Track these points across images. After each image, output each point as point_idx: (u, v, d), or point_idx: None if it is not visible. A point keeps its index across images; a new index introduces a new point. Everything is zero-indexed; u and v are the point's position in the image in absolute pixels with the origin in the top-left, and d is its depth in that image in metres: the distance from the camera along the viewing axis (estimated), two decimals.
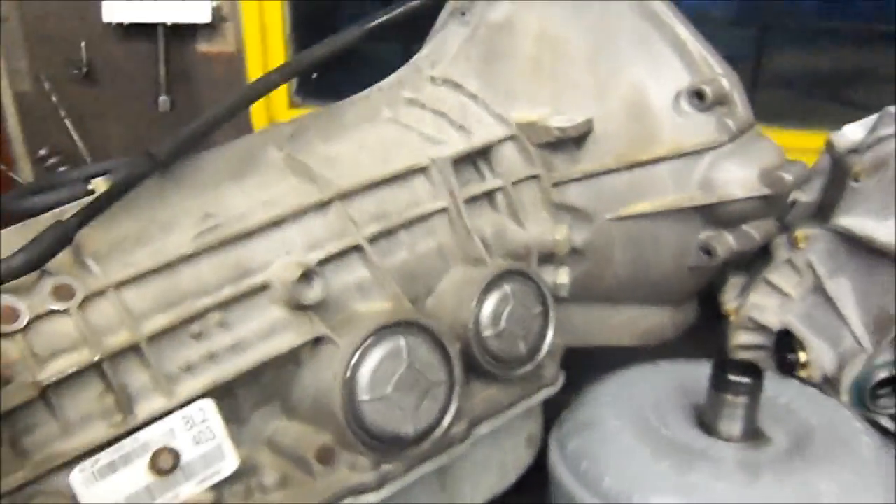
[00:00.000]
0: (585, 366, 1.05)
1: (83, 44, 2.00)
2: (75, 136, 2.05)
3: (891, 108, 1.07)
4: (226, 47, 1.97)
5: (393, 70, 1.03)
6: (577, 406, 0.98)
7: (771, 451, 0.90)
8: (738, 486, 0.83)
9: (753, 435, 0.92)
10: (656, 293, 1.07)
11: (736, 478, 0.84)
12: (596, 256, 1.00)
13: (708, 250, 1.00)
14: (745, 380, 0.90)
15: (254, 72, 1.93)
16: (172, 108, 2.02)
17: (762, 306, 1.12)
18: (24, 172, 2.15)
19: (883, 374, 1.03)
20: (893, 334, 1.02)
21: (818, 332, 1.09)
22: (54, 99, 2.05)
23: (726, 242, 1.00)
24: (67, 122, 2.05)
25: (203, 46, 1.99)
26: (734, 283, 1.14)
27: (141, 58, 1.98)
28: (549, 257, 0.96)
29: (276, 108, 1.97)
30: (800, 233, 1.08)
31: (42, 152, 2.09)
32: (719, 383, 0.91)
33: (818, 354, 1.08)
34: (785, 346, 1.10)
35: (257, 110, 1.90)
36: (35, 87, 2.07)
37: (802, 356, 1.08)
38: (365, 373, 0.78)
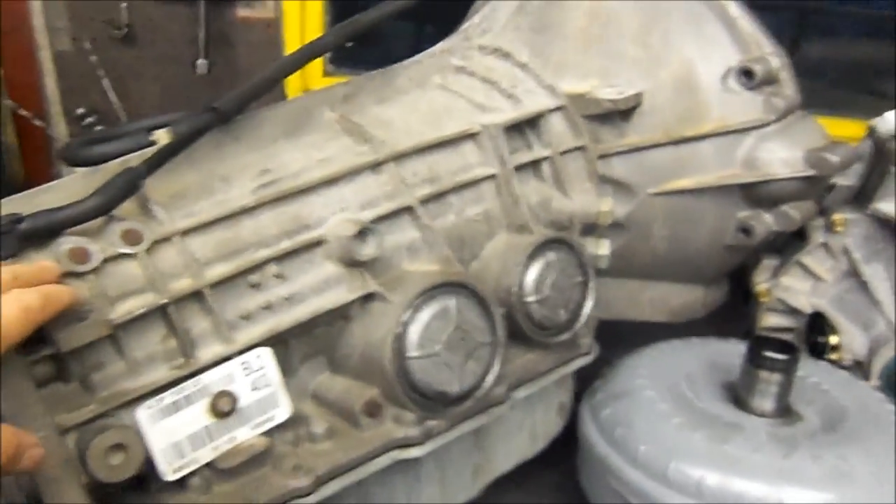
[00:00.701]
0: (615, 340, 1.07)
1: (124, 5, 2.02)
2: (113, 97, 2.08)
3: None
4: (265, 13, 1.99)
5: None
6: (611, 376, 1.00)
7: (803, 427, 0.92)
8: (775, 458, 0.84)
9: (785, 412, 0.94)
10: (690, 270, 1.09)
11: (771, 450, 0.86)
12: (635, 230, 1.01)
13: (746, 229, 1.02)
14: (781, 356, 0.92)
15: (291, 38, 1.94)
16: (210, 72, 2.04)
17: (794, 289, 1.13)
18: (60, 130, 2.17)
19: None
20: None
21: (850, 316, 1.11)
22: (93, 59, 2.08)
23: (765, 222, 1.01)
24: (105, 82, 2.08)
25: (243, 11, 2.01)
26: (767, 265, 1.16)
27: (181, 21, 2.00)
28: (590, 228, 0.98)
29: (310, 76, 1.98)
30: (838, 217, 1.09)
31: (79, 111, 2.11)
32: (755, 359, 0.93)
33: (850, 338, 1.09)
34: (816, 328, 1.12)
35: (292, 79, 1.91)
36: (74, 47, 2.09)
37: (834, 339, 1.09)
38: (415, 330, 0.80)
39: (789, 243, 1.16)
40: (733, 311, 1.24)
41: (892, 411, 0.95)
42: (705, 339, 1.07)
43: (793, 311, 1.14)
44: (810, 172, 0.97)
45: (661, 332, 1.10)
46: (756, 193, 1.00)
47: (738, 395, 0.96)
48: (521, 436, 0.98)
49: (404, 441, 0.82)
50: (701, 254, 1.05)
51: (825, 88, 1.89)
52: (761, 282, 1.15)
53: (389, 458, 0.82)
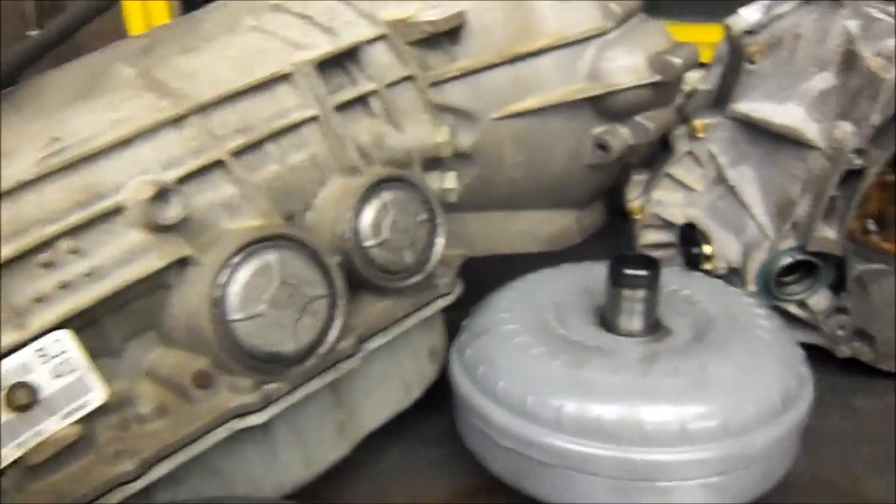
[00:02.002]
0: (499, 275, 1.02)
1: None
2: None
3: None
4: None
5: None
6: (476, 314, 0.95)
7: (670, 342, 0.89)
8: (633, 377, 0.81)
9: (654, 329, 0.91)
10: (557, 195, 1.04)
11: (630, 369, 0.82)
12: (486, 159, 0.96)
13: (602, 145, 0.97)
14: (641, 273, 0.88)
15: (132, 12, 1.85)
16: None
17: (666, 202, 1.10)
18: None
19: (786, 261, 1.02)
20: (793, 220, 1.00)
21: (723, 223, 1.08)
22: None
23: (621, 136, 0.97)
24: None
25: None
26: (637, 181, 1.12)
27: None
28: (434, 162, 0.93)
29: (156, 21, 1.88)
30: (698, 122, 1.05)
31: None
32: (616, 278, 0.89)
33: (723, 246, 1.06)
34: (690, 239, 1.08)
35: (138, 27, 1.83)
36: None
37: (707, 249, 1.06)
38: (234, 291, 0.75)
39: (658, 155, 1.11)
40: (621, 232, 1.20)
41: (759, 315, 0.92)
42: (578, 264, 1.03)
43: (669, 225, 1.11)
44: (655, 78, 0.92)
45: (551, 262, 1.06)
46: (606, 106, 0.95)
47: (605, 318, 0.92)
48: (389, 386, 0.94)
49: (241, 409, 0.77)
50: (563, 176, 1.01)
51: None
52: (634, 198, 1.11)
53: (227, 430, 0.77)
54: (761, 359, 0.85)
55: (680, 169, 1.08)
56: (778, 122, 0.99)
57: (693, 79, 1.08)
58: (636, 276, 0.88)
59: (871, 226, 1.18)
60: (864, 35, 0.97)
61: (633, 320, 0.89)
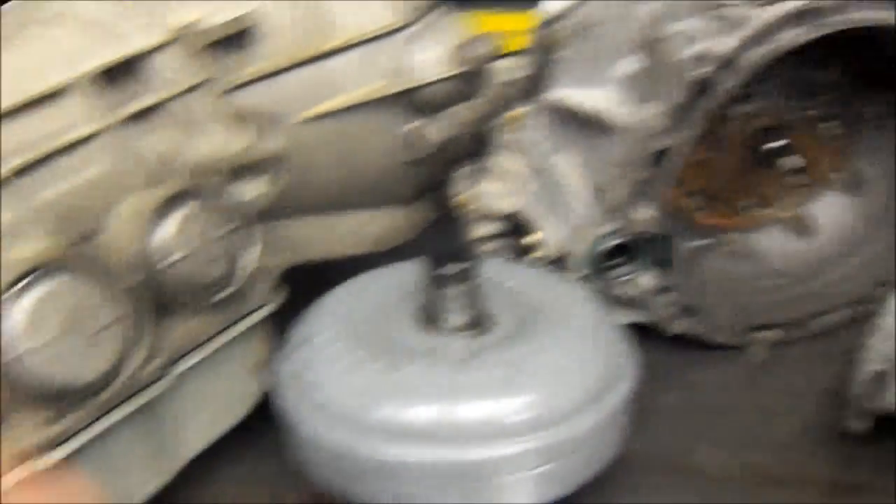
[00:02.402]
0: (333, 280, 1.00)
1: None
2: None
3: None
4: None
5: None
6: (297, 324, 0.92)
7: (492, 336, 0.88)
8: (450, 374, 0.80)
9: (478, 323, 0.90)
10: (378, 194, 1.02)
11: (448, 367, 0.81)
12: (297, 162, 0.93)
13: (416, 141, 0.95)
14: (455, 269, 0.87)
15: None
16: None
17: (492, 193, 1.09)
18: None
19: (608, 244, 1.03)
20: (612, 202, 1.01)
21: (549, 210, 1.08)
22: None
23: (433, 130, 0.95)
24: None
25: None
26: (462, 173, 1.11)
27: None
28: (239, 170, 0.89)
29: None
30: (512, 113, 1.05)
31: None
32: (432, 277, 0.88)
33: (549, 233, 1.07)
34: (518, 229, 1.08)
35: None
36: None
37: (533, 238, 1.06)
38: (13, 324, 0.70)
39: (482, 146, 1.11)
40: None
41: (582, 301, 0.92)
42: (406, 262, 1.01)
43: (499, 216, 1.10)
44: (459, 70, 0.91)
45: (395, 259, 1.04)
46: (414, 101, 0.93)
47: (428, 317, 0.90)
48: (209, 407, 0.90)
49: (36, 447, 0.72)
50: (381, 175, 0.99)
51: None
52: (460, 191, 1.10)
53: (20, 473, 0.71)
54: (579, 345, 0.85)
55: (502, 159, 1.07)
56: (587, 107, 1.00)
57: (512, 66, 1.07)
58: (451, 274, 0.87)
59: (697, 203, 1.21)
60: (666, 16, 0.99)
61: (455, 317, 0.88)
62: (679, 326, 1.11)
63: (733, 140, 1.15)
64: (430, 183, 1.08)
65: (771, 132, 1.15)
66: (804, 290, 1.21)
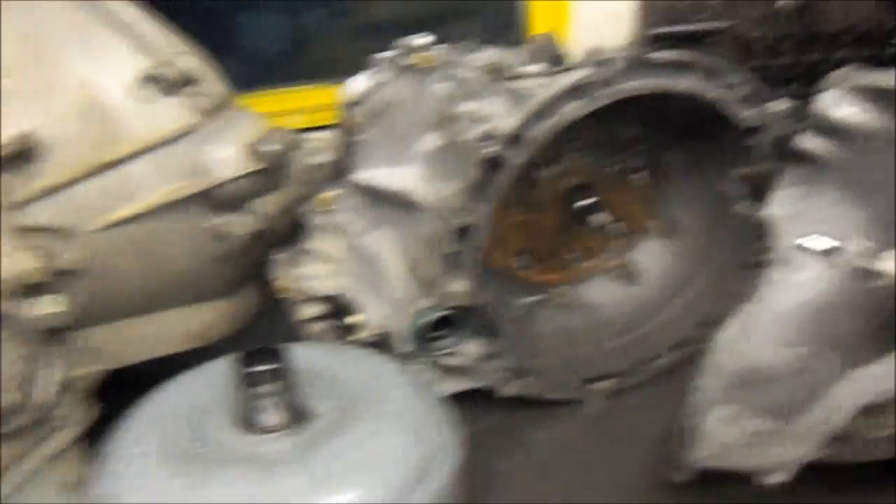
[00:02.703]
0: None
1: None
2: None
3: (386, 54, 1.06)
4: None
5: None
6: (108, 438, 0.90)
7: (310, 432, 0.87)
8: (255, 485, 0.79)
9: (297, 418, 0.89)
10: (192, 291, 1.01)
11: (260, 473, 0.80)
12: (97, 272, 0.91)
13: (222, 237, 0.95)
14: (267, 366, 0.86)
15: None
16: None
17: (311, 276, 1.09)
18: None
19: (429, 318, 1.04)
20: (426, 278, 1.02)
21: (369, 289, 1.08)
22: None
23: (238, 225, 0.95)
24: None
25: None
26: (282, 259, 1.10)
27: None
28: (33, 288, 0.86)
29: None
30: (324, 195, 1.05)
31: None
32: (242, 377, 0.87)
33: (371, 313, 1.07)
34: (340, 310, 1.08)
35: None
36: None
37: (355, 318, 1.06)
38: None
39: (296, 231, 1.11)
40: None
41: (402, 382, 0.93)
42: (221, 359, 0.99)
43: (321, 298, 1.10)
44: (255, 167, 0.91)
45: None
46: (215, 199, 0.93)
47: (243, 417, 0.89)
48: None
49: None
50: (190, 273, 0.98)
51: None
52: (280, 276, 1.10)
53: None
54: (398, 431, 0.86)
55: (318, 242, 1.08)
56: (393, 186, 1.01)
57: (316, 151, 1.08)
58: (262, 372, 0.86)
59: (525, 262, 1.24)
60: (457, 95, 1.02)
61: (270, 416, 0.87)
62: (512, 389, 1.12)
63: (548, 200, 1.19)
64: (246, 273, 1.07)
65: (582, 189, 1.18)
66: (634, 336, 1.25)
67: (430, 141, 1.01)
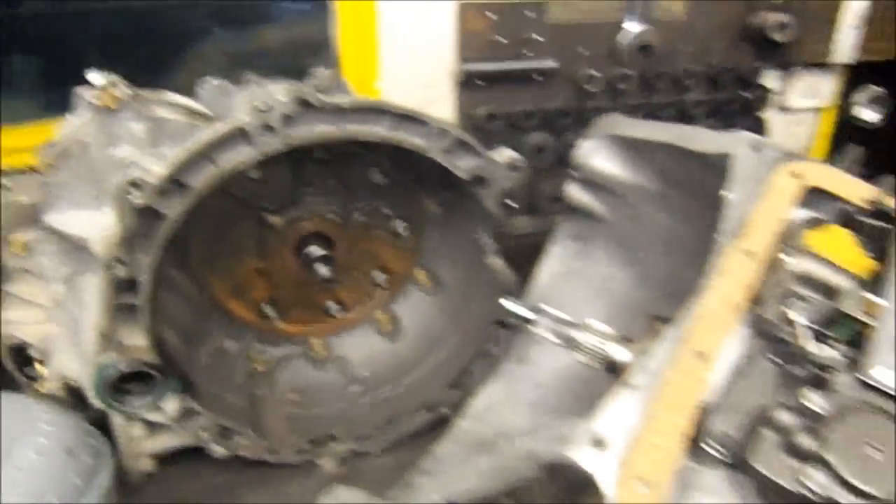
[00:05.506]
0: None
1: None
2: None
3: (84, 92, 1.00)
4: None
5: None
6: None
7: None
8: None
9: None
10: None
11: None
12: None
13: None
14: None
15: None
16: None
17: (17, 321, 1.03)
18: None
19: (111, 373, 0.97)
20: (98, 331, 0.95)
21: (69, 340, 1.02)
22: None
23: None
24: None
25: None
26: None
27: None
28: None
29: None
30: (15, 238, 0.99)
31: None
32: None
33: (56, 365, 1.00)
34: (25, 360, 1.02)
35: None
36: None
37: (40, 369, 1.00)
38: None
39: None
40: None
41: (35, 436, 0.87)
42: None
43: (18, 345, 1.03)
44: None
45: None
46: None
47: None
48: None
49: None
50: None
51: None
52: None
53: None
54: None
55: (19, 286, 1.02)
56: (74, 232, 0.95)
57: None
58: None
59: (269, 311, 1.17)
60: (150, 137, 0.96)
61: None
62: (222, 449, 1.05)
63: (285, 247, 1.12)
64: None
65: (319, 237, 1.11)
66: (380, 395, 1.18)
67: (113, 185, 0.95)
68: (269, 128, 0.88)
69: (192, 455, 1.08)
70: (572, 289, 1.17)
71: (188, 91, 1.04)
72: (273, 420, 1.11)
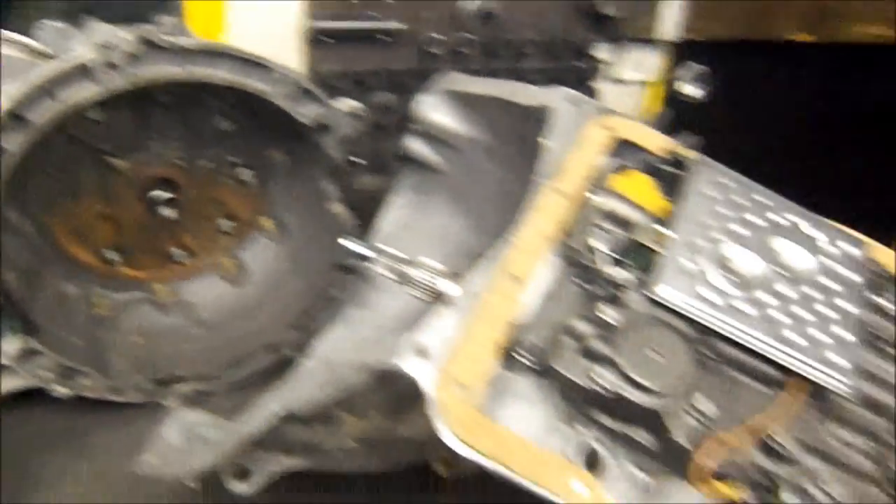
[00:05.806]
0: None
1: None
2: None
3: None
4: None
5: None
6: None
7: None
8: None
9: None
10: None
11: None
12: None
13: None
14: None
15: None
16: None
17: None
18: None
19: None
20: None
21: None
22: None
23: None
24: None
25: None
26: None
27: None
28: None
29: None
30: None
31: None
32: None
33: None
34: None
35: None
36: None
37: None
38: None
39: None
40: None
41: None
42: None
43: None
44: None
45: None
46: None
47: None
48: None
49: None
50: None
51: None
52: None
53: None
54: None
55: None
56: None
57: None
58: None
59: (113, 256, 1.18)
60: None
61: None
62: (65, 389, 1.06)
63: (130, 192, 1.13)
64: None
65: (165, 182, 1.13)
66: (227, 338, 1.21)
67: None
68: (112, 65, 0.90)
69: (35, 398, 1.08)
70: (411, 236, 1.24)
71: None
72: (117, 360, 1.12)
